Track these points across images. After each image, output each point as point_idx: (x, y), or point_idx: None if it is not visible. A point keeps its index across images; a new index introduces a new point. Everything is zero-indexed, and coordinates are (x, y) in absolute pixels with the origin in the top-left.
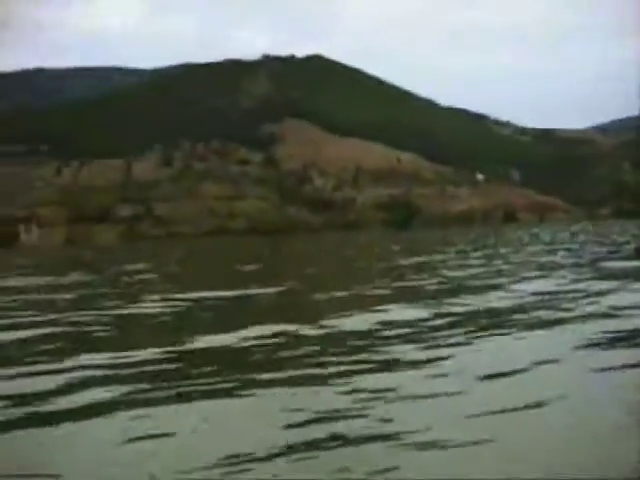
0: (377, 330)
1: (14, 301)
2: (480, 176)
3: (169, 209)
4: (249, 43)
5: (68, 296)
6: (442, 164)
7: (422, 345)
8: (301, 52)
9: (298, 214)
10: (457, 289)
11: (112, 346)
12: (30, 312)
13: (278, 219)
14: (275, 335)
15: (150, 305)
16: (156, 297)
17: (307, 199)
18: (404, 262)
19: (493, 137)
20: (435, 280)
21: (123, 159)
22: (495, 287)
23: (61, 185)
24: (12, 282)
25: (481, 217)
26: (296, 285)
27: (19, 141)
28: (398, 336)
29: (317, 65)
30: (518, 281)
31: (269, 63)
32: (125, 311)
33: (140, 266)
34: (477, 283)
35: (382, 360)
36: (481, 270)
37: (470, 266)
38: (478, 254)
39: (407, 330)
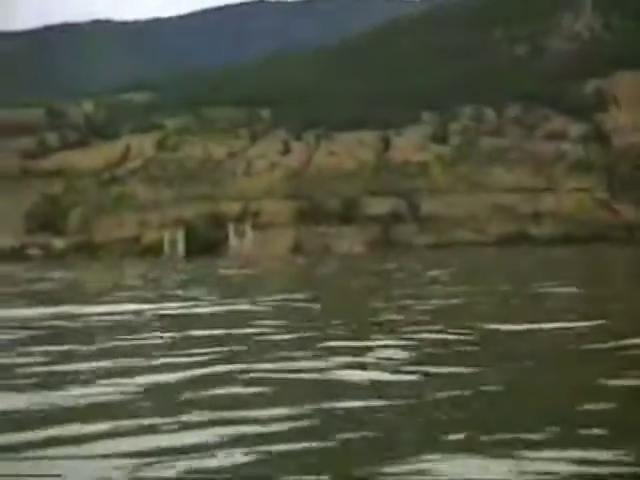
0: None
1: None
2: None
3: (441, 206)
4: None
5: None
6: None
7: None
8: None
9: (637, 214)
10: None
11: None
12: None
13: (604, 220)
14: None
15: None
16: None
17: None
18: None
19: None
20: None
21: (377, 132)
22: None
23: (289, 168)
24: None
25: None
26: None
27: (232, 104)
28: None
29: None
30: None
31: None
32: None
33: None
34: None
35: None
36: None
37: None
38: None
39: None
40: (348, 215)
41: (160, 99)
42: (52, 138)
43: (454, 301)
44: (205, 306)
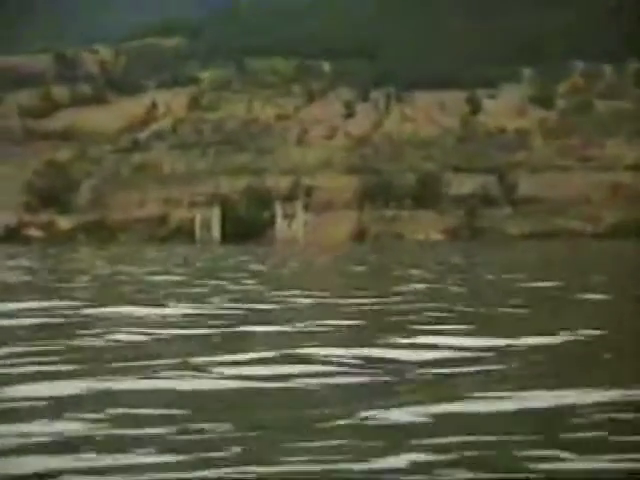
0: None
1: None
2: None
3: (543, 186)
4: None
5: None
6: None
7: None
8: None
9: None
10: None
11: None
12: None
13: None
14: None
15: None
16: None
17: None
18: None
19: None
20: None
21: (464, 92)
22: None
23: (352, 135)
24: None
25: None
26: None
27: (283, 53)
28: None
29: None
30: None
31: None
32: None
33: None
34: None
35: None
36: None
37: None
38: None
39: None
40: (425, 195)
41: (193, 46)
42: (60, 92)
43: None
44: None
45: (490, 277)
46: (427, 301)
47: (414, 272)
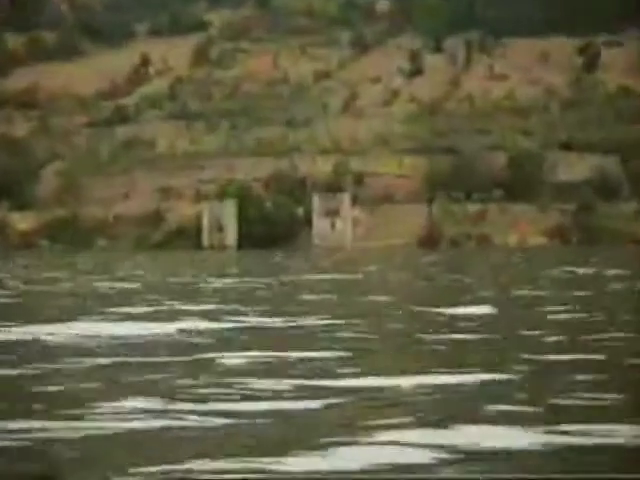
0: None
1: None
2: None
3: None
4: None
5: None
6: None
7: None
8: None
9: None
10: None
11: None
12: None
13: None
14: None
15: None
16: None
17: None
18: None
19: None
20: None
21: (577, 38)
22: None
23: (419, 99)
24: None
25: None
26: None
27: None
28: None
29: None
30: None
31: None
32: None
33: None
34: None
35: None
36: None
37: None
38: None
39: None
40: (520, 183)
41: None
42: (15, 42)
43: None
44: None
45: None
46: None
47: (552, 309)
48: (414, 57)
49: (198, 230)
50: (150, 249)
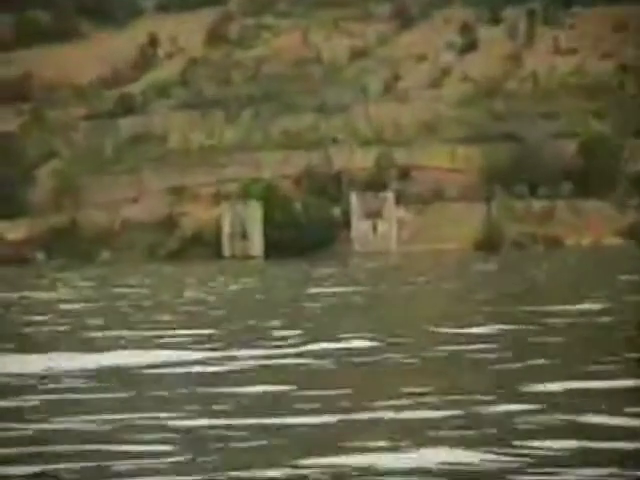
0: None
1: None
2: None
3: None
4: None
5: None
6: None
7: None
8: None
9: None
10: None
11: None
12: None
13: None
14: None
15: None
16: None
17: None
18: None
19: None
20: None
21: None
22: None
23: (474, 78)
24: None
25: None
26: None
27: None
28: None
29: None
30: None
31: None
32: None
33: None
34: None
35: None
36: None
37: None
38: None
39: None
40: (593, 174)
41: None
42: (3, 22)
43: None
44: None
45: None
46: None
47: None
48: (466, 30)
49: (217, 237)
50: (163, 260)
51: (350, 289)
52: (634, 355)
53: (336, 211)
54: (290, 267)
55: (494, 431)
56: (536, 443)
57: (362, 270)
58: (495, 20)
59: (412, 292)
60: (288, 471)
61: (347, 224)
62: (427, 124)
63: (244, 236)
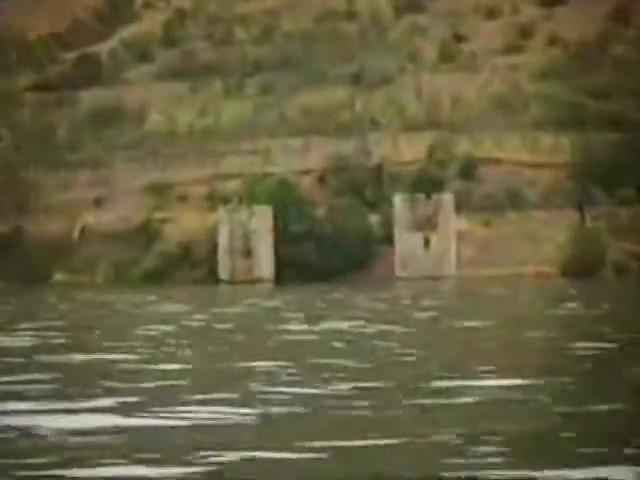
0: None
1: None
2: None
3: None
4: None
5: None
6: None
7: None
8: None
9: None
10: None
11: None
12: None
13: None
14: None
15: None
16: None
17: None
18: None
19: None
20: None
21: None
22: None
23: (562, 40)
24: None
25: None
26: None
27: None
28: None
29: None
30: None
31: None
32: None
33: None
34: None
35: None
36: None
37: None
38: None
39: None
40: None
41: None
42: None
43: None
44: None
45: None
46: None
47: None
48: None
49: (212, 254)
50: (137, 283)
51: (392, 344)
52: None
53: (373, 219)
54: (308, 294)
55: None
56: None
57: (406, 306)
58: None
59: (474, 341)
60: None
61: (388, 238)
62: (500, 102)
63: (248, 253)
